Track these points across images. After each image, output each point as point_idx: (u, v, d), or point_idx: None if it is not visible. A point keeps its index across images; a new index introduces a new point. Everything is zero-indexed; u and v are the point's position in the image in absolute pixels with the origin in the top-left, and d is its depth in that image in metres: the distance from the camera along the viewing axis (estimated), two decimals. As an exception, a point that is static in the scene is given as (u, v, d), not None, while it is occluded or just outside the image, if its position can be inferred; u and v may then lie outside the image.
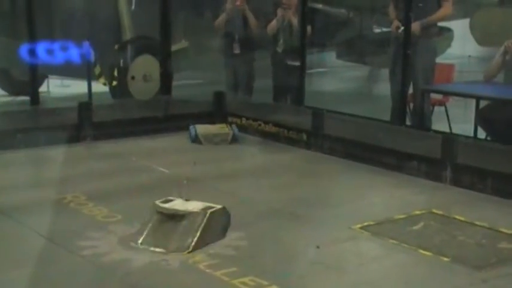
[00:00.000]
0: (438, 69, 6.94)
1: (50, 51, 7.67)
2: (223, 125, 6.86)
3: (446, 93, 6.89)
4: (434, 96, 6.89)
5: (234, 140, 6.61)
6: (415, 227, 4.32)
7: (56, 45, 7.78)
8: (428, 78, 6.66)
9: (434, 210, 4.62)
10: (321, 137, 6.30)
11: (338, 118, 6.44)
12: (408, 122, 6.45)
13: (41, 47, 7.34)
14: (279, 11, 7.38)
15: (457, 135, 5.75)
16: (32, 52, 6.92)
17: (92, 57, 7.60)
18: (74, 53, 7.81)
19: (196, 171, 5.58)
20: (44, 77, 8.88)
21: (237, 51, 7.74)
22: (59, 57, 7.76)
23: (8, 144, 5.89)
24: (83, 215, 4.43)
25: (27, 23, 6.87)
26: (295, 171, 5.80)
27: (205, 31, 9.30)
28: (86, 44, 7.74)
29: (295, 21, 7.29)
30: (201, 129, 6.67)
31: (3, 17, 8.08)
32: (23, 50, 7.12)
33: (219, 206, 4.04)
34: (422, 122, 6.48)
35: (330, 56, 11.40)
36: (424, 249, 3.92)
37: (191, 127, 6.66)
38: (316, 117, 6.42)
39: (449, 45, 9.40)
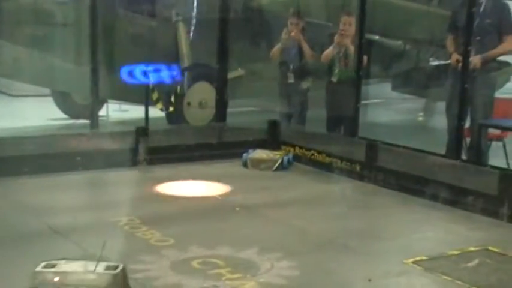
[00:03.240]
0: (496, 103, 6.82)
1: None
2: (279, 152, 6.89)
3: (506, 129, 6.75)
4: (492, 130, 6.76)
5: (282, 168, 6.63)
6: (469, 264, 4.21)
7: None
8: (487, 112, 6.55)
9: (491, 248, 4.50)
10: (375, 169, 6.25)
11: (392, 150, 6.37)
12: (464, 157, 6.34)
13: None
14: (336, 38, 7.36)
15: (515, 171, 5.62)
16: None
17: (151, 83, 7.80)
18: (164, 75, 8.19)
19: (248, 198, 5.61)
20: (104, 101, 9.11)
21: (291, 80, 7.80)
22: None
23: (67, 167, 6.04)
24: (137, 238, 4.50)
25: (90, 49, 7.08)
26: (348, 203, 5.76)
27: (261, 60, 9.40)
28: (175, 66, 8.06)
29: (352, 48, 7.26)
30: (255, 153, 6.75)
31: (68, 44, 8.37)
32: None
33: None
34: (479, 157, 6.36)
35: (386, 88, 11.33)
36: (479, 288, 3.84)
37: (250, 150, 6.74)
38: (370, 149, 6.37)
39: (508, 80, 9.24)
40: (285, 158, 6.74)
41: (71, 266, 3.25)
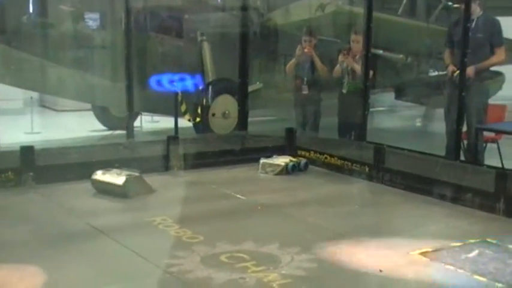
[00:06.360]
0: (491, 109, 6.77)
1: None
2: (293, 158, 6.87)
3: (499, 132, 6.70)
4: (488, 133, 6.72)
5: (286, 172, 6.57)
6: (470, 255, 4.18)
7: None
8: (481, 117, 6.51)
9: (489, 240, 4.47)
10: (382, 170, 6.22)
11: (397, 153, 6.35)
12: (462, 158, 6.29)
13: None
14: (340, 57, 7.44)
15: (510, 170, 5.54)
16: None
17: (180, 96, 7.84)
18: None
19: (269, 199, 5.61)
20: (138, 113, 9.17)
21: (305, 92, 7.81)
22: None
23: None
24: (170, 236, 4.52)
25: (125, 68, 7.15)
26: (358, 201, 5.75)
27: (278, 74, 9.42)
28: (198, 76, 8.16)
29: (356, 66, 7.31)
30: (268, 159, 6.73)
31: (106, 64, 8.46)
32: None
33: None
34: (475, 157, 6.31)
35: (389, 97, 11.29)
36: (480, 275, 3.80)
37: (274, 157, 6.78)
38: (377, 152, 6.35)
39: (500, 88, 9.14)
40: (290, 165, 6.66)
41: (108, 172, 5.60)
